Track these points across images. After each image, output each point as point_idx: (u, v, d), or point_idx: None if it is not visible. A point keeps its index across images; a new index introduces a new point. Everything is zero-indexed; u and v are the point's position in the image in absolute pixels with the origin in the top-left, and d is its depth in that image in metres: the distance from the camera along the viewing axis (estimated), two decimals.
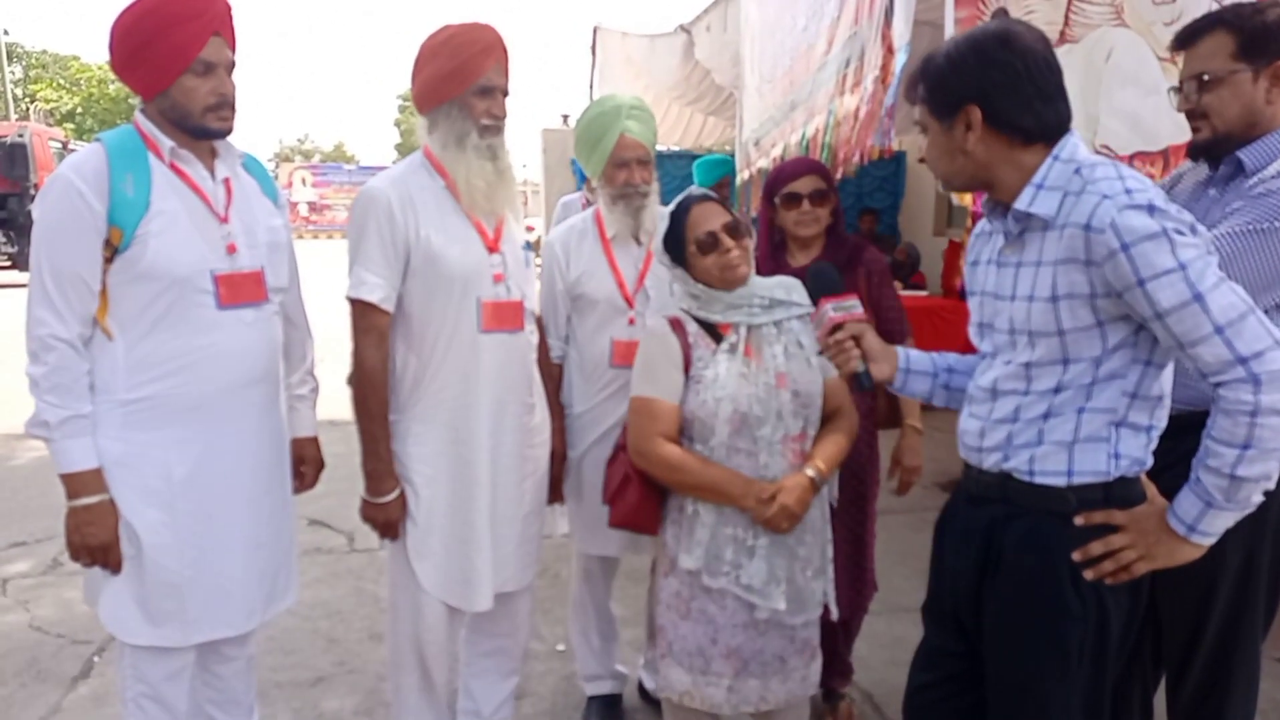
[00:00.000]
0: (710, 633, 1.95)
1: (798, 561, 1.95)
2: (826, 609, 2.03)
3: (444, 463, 2.09)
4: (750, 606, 1.93)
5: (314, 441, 2.20)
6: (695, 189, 2.08)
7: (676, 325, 2.00)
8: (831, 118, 3.19)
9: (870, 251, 2.51)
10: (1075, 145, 1.44)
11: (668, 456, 1.93)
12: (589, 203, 5.59)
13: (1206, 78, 1.77)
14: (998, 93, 1.42)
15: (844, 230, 2.52)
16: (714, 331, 1.98)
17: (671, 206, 2.02)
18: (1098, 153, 2.65)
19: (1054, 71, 1.44)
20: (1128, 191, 1.34)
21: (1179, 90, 1.85)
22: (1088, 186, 1.37)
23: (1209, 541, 1.40)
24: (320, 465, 2.22)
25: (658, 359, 1.98)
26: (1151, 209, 1.32)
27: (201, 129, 1.83)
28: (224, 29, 1.82)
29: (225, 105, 1.84)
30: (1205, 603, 1.85)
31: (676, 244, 1.98)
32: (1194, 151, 1.88)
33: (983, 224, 1.61)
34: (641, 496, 2.00)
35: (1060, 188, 1.41)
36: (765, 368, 1.93)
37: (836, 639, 2.57)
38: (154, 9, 1.76)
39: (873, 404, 2.42)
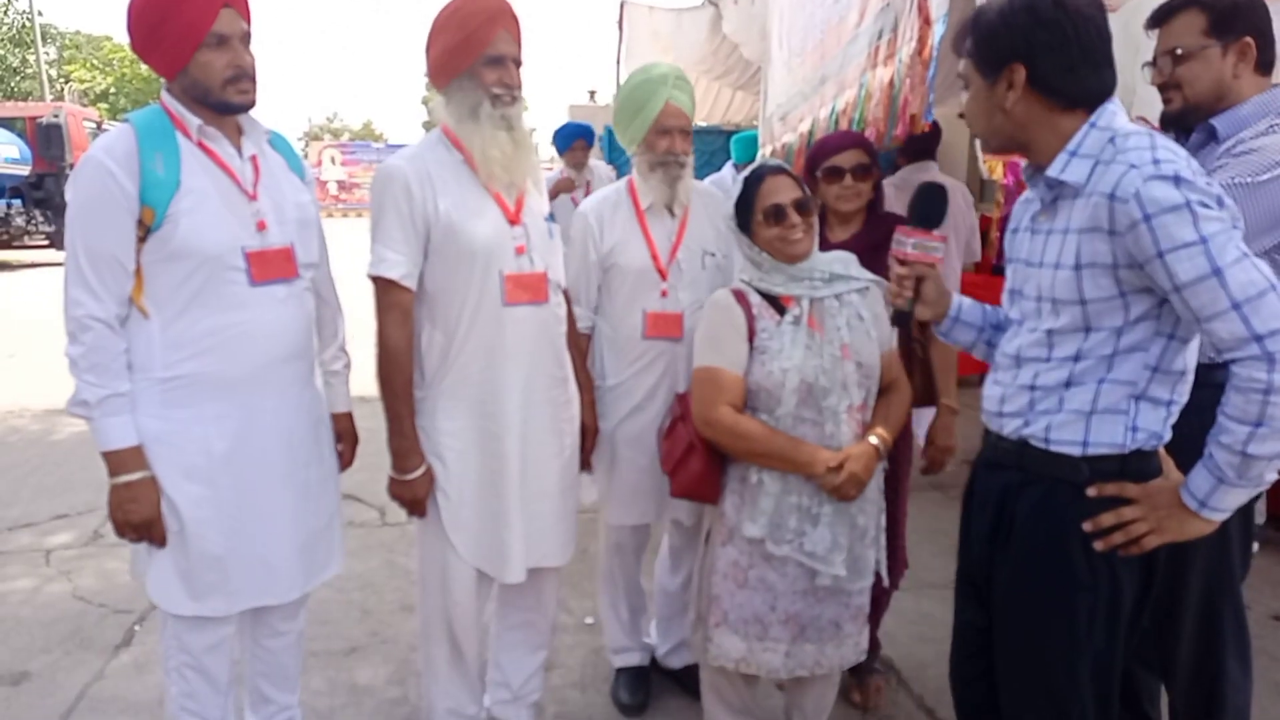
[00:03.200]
0: (769, 600, 1.99)
1: (856, 530, 1.98)
2: (879, 577, 2.05)
3: (473, 436, 2.10)
4: (811, 574, 1.96)
5: (348, 417, 2.23)
6: (771, 160, 2.09)
7: (740, 297, 2.02)
8: (863, 91, 3.13)
9: None
10: (1114, 114, 1.43)
11: (736, 425, 1.95)
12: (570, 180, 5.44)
13: (1180, 52, 1.89)
14: (1044, 54, 1.41)
15: (884, 206, 2.48)
16: (776, 303, 2.00)
17: (745, 173, 2.04)
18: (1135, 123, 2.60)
19: (1104, 39, 1.43)
20: (1155, 162, 1.33)
21: (1153, 65, 1.95)
22: (1117, 156, 1.37)
23: (1220, 518, 1.40)
24: (355, 440, 2.25)
25: (723, 329, 2.00)
26: (1178, 180, 1.31)
27: (223, 103, 1.83)
28: (234, 0, 1.82)
29: (244, 77, 1.83)
30: (1185, 557, 1.87)
31: (746, 209, 2.01)
32: (1165, 120, 1.98)
33: (1027, 192, 1.62)
34: (705, 466, 2.04)
35: (1093, 156, 1.41)
36: (830, 339, 1.95)
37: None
38: None
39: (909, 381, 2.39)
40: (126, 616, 3.14)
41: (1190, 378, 1.47)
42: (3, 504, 4.33)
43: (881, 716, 2.60)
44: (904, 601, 2.75)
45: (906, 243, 1.66)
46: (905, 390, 2.10)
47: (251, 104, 1.87)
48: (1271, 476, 1.34)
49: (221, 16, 1.78)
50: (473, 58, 2.00)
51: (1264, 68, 1.88)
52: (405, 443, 2.05)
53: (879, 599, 2.55)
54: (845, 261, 2.05)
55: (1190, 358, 1.45)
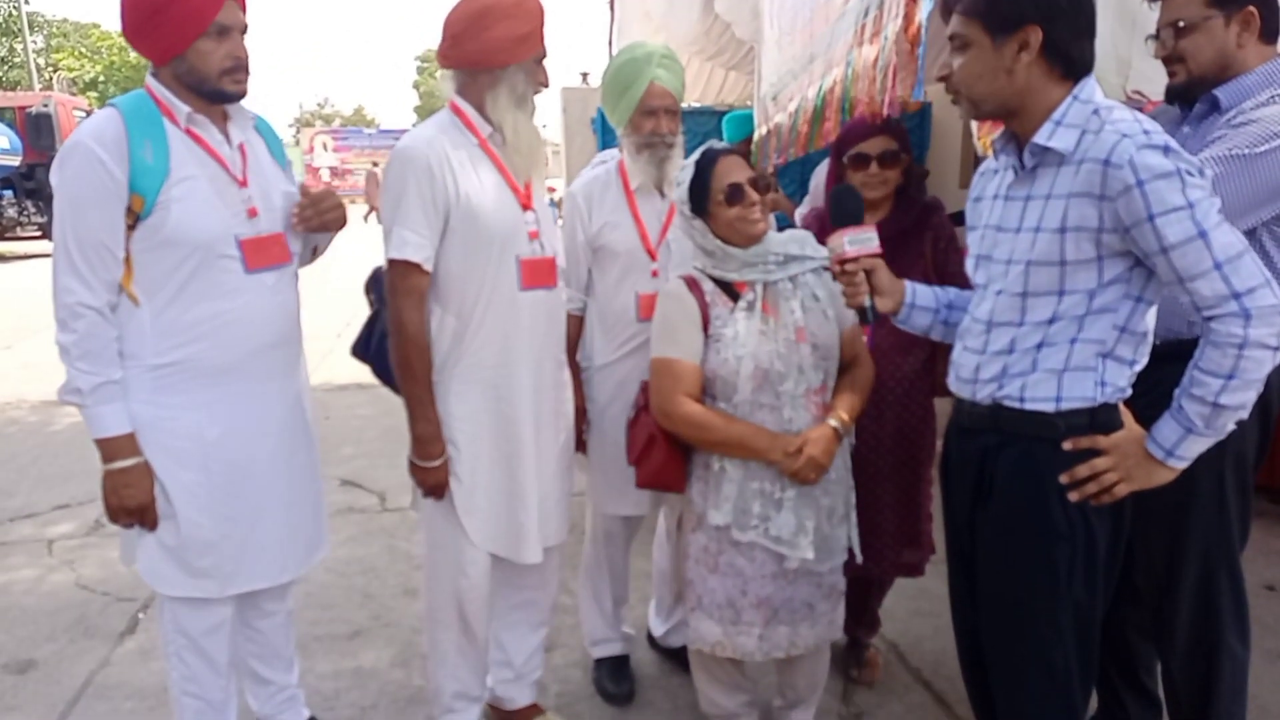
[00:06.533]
0: (740, 585, 1.98)
1: (823, 511, 1.98)
2: (852, 554, 2.06)
3: (486, 419, 2.09)
4: (779, 557, 1.96)
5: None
6: (717, 142, 2.06)
7: (693, 284, 2.00)
8: (850, 69, 3.12)
9: (939, 215, 2.42)
10: (1093, 88, 1.50)
11: (692, 415, 1.95)
12: None
13: (1182, 24, 1.88)
14: (1061, 18, 1.45)
15: (915, 191, 2.43)
16: (730, 289, 1.98)
17: (694, 157, 1.99)
18: (1130, 98, 2.59)
19: (1094, 10, 1.49)
20: (1145, 132, 1.40)
21: (1156, 38, 1.95)
22: (1106, 125, 1.43)
23: (1183, 465, 1.50)
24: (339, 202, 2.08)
25: (677, 319, 1.98)
26: (1167, 150, 1.38)
27: (218, 92, 1.84)
28: None
29: (240, 68, 1.84)
30: (1183, 529, 1.90)
31: (701, 194, 1.96)
32: (1170, 94, 1.99)
33: (988, 163, 1.67)
34: (667, 456, 2.02)
35: (1079, 126, 1.46)
36: (784, 323, 1.94)
37: (870, 593, 2.59)
38: None
39: (930, 369, 2.37)
40: (130, 604, 3.17)
41: (1150, 340, 1.54)
42: (3, 495, 4.34)
43: (880, 690, 2.63)
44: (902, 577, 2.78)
45: (843, 242, 1.70)
46: (866, 368, 2.07)
47: (244, 94, 1.88)
48: (1231, 426, 1.44)
49: (225, 8, 1.79)
50: (532, 52, 2.01)
51: (1268, 36, 1.86)
52: (429, 428, 2.04)
53: (884, 580, 2.56)
54: (800, 241, 2.02)
55: (1151, 321, 1.53)
